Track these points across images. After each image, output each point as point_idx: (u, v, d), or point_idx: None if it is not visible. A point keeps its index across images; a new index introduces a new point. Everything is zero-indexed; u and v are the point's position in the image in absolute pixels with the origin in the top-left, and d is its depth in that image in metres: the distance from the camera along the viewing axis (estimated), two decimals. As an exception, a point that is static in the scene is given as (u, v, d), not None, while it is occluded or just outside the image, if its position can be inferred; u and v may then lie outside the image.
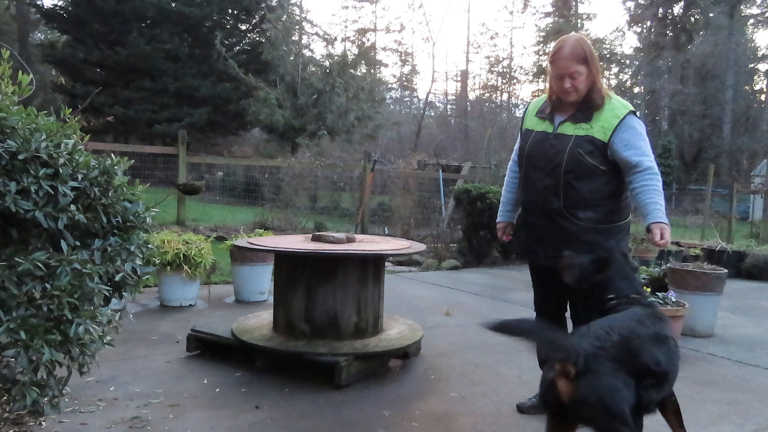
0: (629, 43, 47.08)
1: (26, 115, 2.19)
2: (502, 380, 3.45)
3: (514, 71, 38.24)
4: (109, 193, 2.29)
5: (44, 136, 2.13)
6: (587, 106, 2.71)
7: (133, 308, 4.77)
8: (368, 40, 34.63)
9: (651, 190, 2.59)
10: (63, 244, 2.11)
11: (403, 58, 39.89)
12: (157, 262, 4.62)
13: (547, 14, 37.06)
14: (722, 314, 5.26)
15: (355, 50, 24.28)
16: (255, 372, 3.38)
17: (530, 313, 3.04)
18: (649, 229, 2.53)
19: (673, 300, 4.18)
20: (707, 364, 4.01)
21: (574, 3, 35.48)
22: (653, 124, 30.07)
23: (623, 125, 2.67)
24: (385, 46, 38.91)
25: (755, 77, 32.77)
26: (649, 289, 4.39)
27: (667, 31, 31.02)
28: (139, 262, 2.37)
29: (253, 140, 26.42)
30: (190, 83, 20.53)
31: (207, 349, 3.68)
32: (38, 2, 23.29)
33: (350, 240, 3.72)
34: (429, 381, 3.40)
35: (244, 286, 5.28)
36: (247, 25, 24.44)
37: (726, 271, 4.93)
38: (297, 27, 22.68)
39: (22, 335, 1.95)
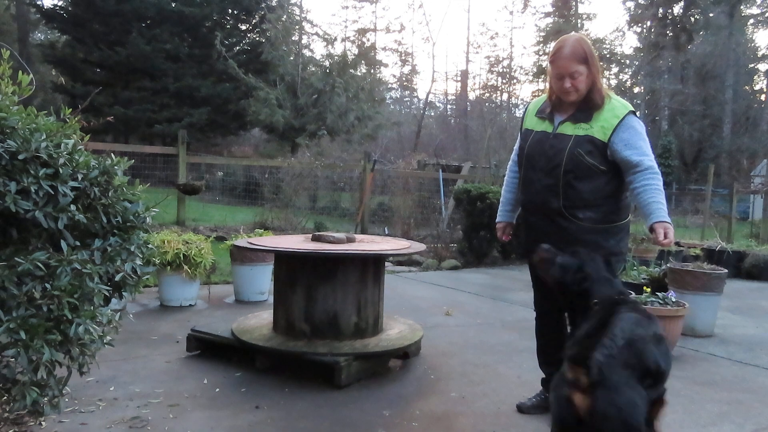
0: (629, 43, 47.11)
1: (26, 115, 2.19)
2: (502, 380, 3.45)
3: (514, 71, 38.26)
4: (109, 193, 2.29)
5: (44, 136, 2.13)
6: (587, 106, 2.72)
7: (133, 308, 4.77)
8: (368, 40, 34.62)
9: (652, 190, 2.59)
10: (63, 244, 2.11)
11: (403, 58, 39.90)
12: (157, 262, 4.62)
13: (547, 14, 37.06)
14: (722, 314, 5.26)
15: (355, 50, 24.29)
16: (255, 372, 3.38)
17: (530, 313, 3.04)
18: (652, 229, 2.53)
19: (673, 300, 4.18)
20: (707, 364, 4.01)
21: (574, 3, 35.47)
22: (653, 124, 30.07)
23: (623, 125, 2.67)
24: (385, 46, 38.92)
25: (755, 77, 32.77)
26: (648, 289, 4.39)
27: (667, 31, 31.02)
28: (139, 262, 2.38)
29: (253, 140, 26.42)
30: (190, 83, 20.53)
31: (207, 349, 3.68)
32: (38, 2, 23.29)
33: (350, 240, 3.72)
34: (429, 381, 3.40)
35: (244, 286, 5.28)
36: (247, 25, 24.43)
37: (726, 271, 4.92)
38: (297, 27, 22.68)
39: (22, 335, 1.95)
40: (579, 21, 34.54)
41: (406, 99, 41.94)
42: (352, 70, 20.87)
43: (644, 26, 33.82)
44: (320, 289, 3.42)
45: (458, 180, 11.83)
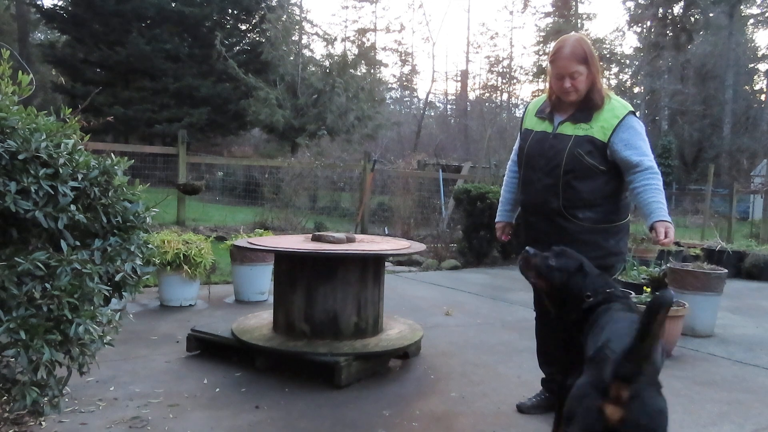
0: (629, 43, 47.12)
1: (26, 115, 2.19)
2: (502, 380, 3.45)
3: (514, 71, 38.29)
4: (109, 193, 2.29)
5: (44, 136, 2.13)
6: (587, 106, 2.72)
7: (133, 308, 4.77)
8: (368, 40, 34.67)
9: (652, 189, 2.59)
10: (63, 244, 2.11)
11: (403, 58, 39.95)
12: (157, 262, 4.62)
13: (547, 14, 37.10)
14: (722, 314, 5.26)
15: (355, 50, 24.32)
16: (255, 372, 3.38)
17: (530, 313, 3.04)
18: (653, 228, 2.53)
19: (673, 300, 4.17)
20: (707, 364, 4.01)
21: (574, 3, 35.50)
22: (653, 124, 30.09)
23: (623, 125, 2.67)
24: (385, 46, 38.98)
25: (755, 77, 32.79)
26: (648, 289, 4.39)
27: (667, 31, 31.04)
28: (139, 262, 2.37)
29: (253, 140, 26.43)
30: (190, 83, 20.54)
31: (207, 349, 3.68)
32: (38, 2, 23.30)
33: (350, 240, 3.72)
34: (429, 381, 3.40)
35: (244, 286, 5.28)
36: (247, 25, 24.45)
37: (726, 271, 4.92)
38: (297, 27, 22.71)
39: (22, 335, 1.95)
40: (579, 21, 34.58)
41: (406, 99, 41.97)
42: (352, 70, 20.89)
43: (644, 26, 33.85)
44: (320, 289, 3.42)
45: (458, 180, 11.83)
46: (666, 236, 2.48)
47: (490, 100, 37.98)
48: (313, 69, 21.12)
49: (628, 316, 2.14)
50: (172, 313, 4.75)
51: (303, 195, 11.43)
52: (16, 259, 2.00)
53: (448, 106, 41.70)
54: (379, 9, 50.84)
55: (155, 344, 3.87)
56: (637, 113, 2.79)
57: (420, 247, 3.97)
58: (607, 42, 33.43)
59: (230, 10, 23.37)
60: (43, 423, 2.55)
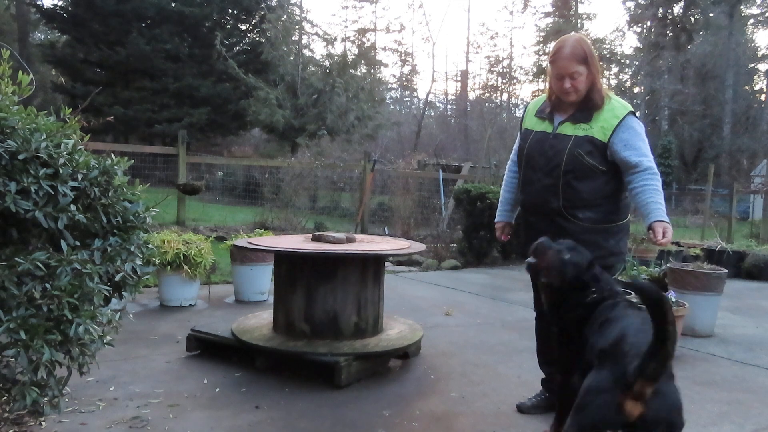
0: (629, 43, 47.13)
1: (26, 115, 2.19)
2: (502, 380, 3.45)
3: (514, 71, 38.29)
4: (109, 193, 2.29)
5: (44, 136, 2.13)
6: (587, 106, 2.72)
7: (133, 308, 4.77)
8: (368, 40, 34.67)
9: (651, 190, 2.59)
10: (63, 244, 2.11)
11: (403, 58, 39.94)
12: (157, 262, 4.62)
13: (547, 14, 37.10)
14: (722, 314, 5.26)
15: (355, 50, 24.32)
16: (255, 372, 3.38)
17: (530, 313, 3.04)
18: (650, 228, 2.53)
19: (673, 300, 4.18)
20: (707, 364, 4.01)
21: (574, 3, 35.51)
22: (653, 124, 30.09)
23: (623, 126, 2.67)
24: (385, 46, 38.97)
25: (755, 77, 32.78)
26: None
27: (667, 31, 31.05)
28: (139, 262, 2.38)
29: (253, 140, 26.43)
30: (190, 83, 20.53)
31: (207, 349, 3.68)
32: (38, 2, 23.30)
33: (350, 240, 3.72)
34: (429, 381, 3.40)
35: (244, 286, 5.28)
36: (247, 25, 24.45)
37: (726, 271, 4.92)
38: (297, 27, 22.70)
39: (22, 335, 1.96)
40: (579, 21, 34.58)
41: (406, 99, 41.97)
42: (352, 70, 20.89)
43: (644, 26, 33.85)
44: (320, 289, 3.42)
45: (458, 180, 11.83)
46: (664, 236, 2.48)
47: (490, 100, 38.00)
48: (313, 69, 21.12)
49: (637, 312, 2.15)
50: (172, 313, 4.75)
51: (303, 195, 11.42)
52: (16, 259, 2.00)
53: (448, 106, 41.72)
54: (379, 9, 50.85)
55: (155, 344, 3.87)
56: (637, 113, 2.79)
57: (420, 247, 3.97)
58: (607, 42, 33.45)
59: (230, 10, 23.37)
60: (43, 423, 2.55)
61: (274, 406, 2.91)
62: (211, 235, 7.11)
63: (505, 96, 38.68)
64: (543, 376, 3.06)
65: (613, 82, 32.13)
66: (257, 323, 3.74)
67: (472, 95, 39.30)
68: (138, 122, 20.05)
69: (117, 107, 18.51)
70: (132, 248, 2.34)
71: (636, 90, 31.94)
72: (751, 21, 32.15)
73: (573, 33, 3.01)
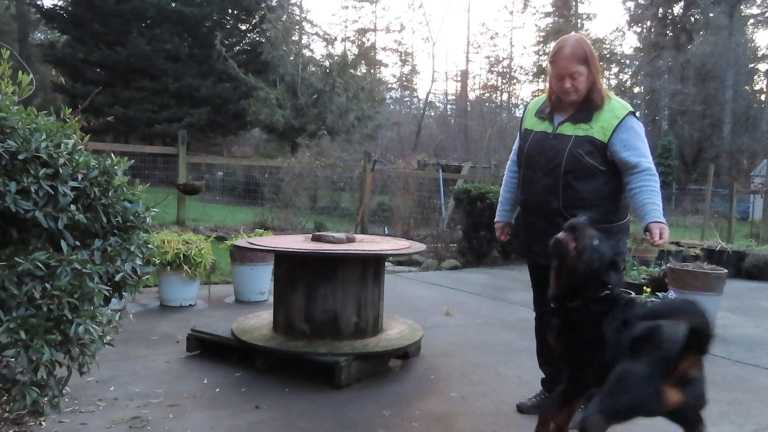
0: (629, 43, 47.12)
1: (26, 115, 2.19)
2: (502, 380, 3.45)
3: (514, 71, 38.29)
4: (109, 193, 2.29)
5: (44, 136, 2.13)
6: (587, 106, 2.72)
7: (133, 308, 4.77)
8: (368, 40, 34.65)
9: (649, 191, 2.59)
10: (63, 244, 2.11)
11: (403, 58, 39.94)
12: (157, 262, 4.62)
13: (547, 14, 37.10)
14: (722, 314, 5.26)
15: (355, 50, 24.31)
16: (255, 372, 3.38)
17: (530, 313, 3.04)
18: (647, 229, 2.53)
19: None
20: (707, 364, 3.98)
21: (574, 3, 35.51)
22: (653, 124, 30.10)
23: (623, 126, 2.67)
24: (385, 46, 38.96)
25: (755, 77, 32.80)
26: (648, 289, 4.39)
27: (667, 31, 31.04)
28: (139, 262, 2.38)
29: (253, 140, 26.44)
30: (190, 83, 20.54)
31: (207, 349, 3.68)
32: (38, 2, 23.31)
33: (350, 240, 3.72)
34: (429, 381, 3.40)
35: (244, 286, 5.28)
36: (247, 25, 24.46)
37: (726, 271, 4.93)
38: (297, 27, 22.70)
39: (22, 335, 1.96)
40: (579, 21, 34.58)
41: (406, 99, 41.98)
42: (352, 70, 20.88)
43: (644, 26, 33.86)
44: (320, 289, 3.42)
45: (458, 180, 11.83)
46: (660, 237, 2.48)
47: (490, 100, 38.00)
48: (313, 69, 21.12)
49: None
50: (172, 313, 4.75)
51: (303, 195, 11.42)
52: (16, 259, 2.00)
53: (448, 106, 41.72)
54: (379, 9, 50.82)
55: (155, 344, 3.87)
56: (637, 113, 2.78)
57: (420, 247, 3.97)
58: (607, 42, 33.46)
59: (230, 10, 23.39)
60: (43, 423, 2.55)
61: (274, 406, 2.91)
62: (211, 235, 7.11)
63: (505, 96, 38.72)
64: (543, 376, 3.05)
65: (613, 82, 32.14)
66: (257, 323, 3.74)
67: (472, 95, 39.34)
68: (138, 122, 20.06)
69: (117, 107, 18.52)
70: (132, 248, 2.34)
71: (636, 90, 31.95)
72: (751, 21, 32.17)
73: (573, 33, 3.02)
